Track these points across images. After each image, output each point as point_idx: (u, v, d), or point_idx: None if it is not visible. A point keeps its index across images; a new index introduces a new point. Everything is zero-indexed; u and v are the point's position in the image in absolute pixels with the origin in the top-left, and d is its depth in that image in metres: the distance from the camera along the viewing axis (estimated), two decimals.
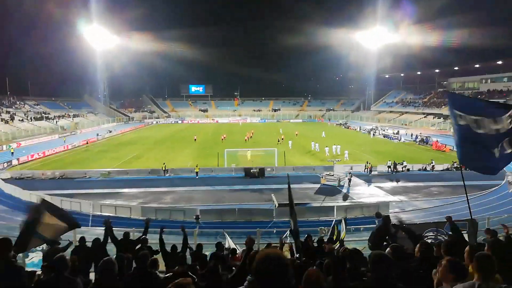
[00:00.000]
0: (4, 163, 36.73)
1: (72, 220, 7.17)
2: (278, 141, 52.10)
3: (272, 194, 25.27)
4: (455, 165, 34.72)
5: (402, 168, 34.14)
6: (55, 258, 4.23)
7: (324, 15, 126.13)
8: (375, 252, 3.50)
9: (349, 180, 29.24)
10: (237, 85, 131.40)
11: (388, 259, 3.27)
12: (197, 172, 32.41)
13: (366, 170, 33.40)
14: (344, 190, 27.89)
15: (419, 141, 52.56)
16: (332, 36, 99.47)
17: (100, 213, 21.94)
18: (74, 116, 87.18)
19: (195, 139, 56.80)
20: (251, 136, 58.20)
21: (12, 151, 45.61)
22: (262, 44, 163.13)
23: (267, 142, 52.06)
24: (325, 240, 8.50)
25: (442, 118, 77.09)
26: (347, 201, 25.34)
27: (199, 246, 7.88)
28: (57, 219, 6.48)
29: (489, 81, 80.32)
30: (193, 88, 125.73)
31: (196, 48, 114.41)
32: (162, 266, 7.15)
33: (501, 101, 68.21)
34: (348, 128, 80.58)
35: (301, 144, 50.95)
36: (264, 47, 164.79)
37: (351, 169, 32.24)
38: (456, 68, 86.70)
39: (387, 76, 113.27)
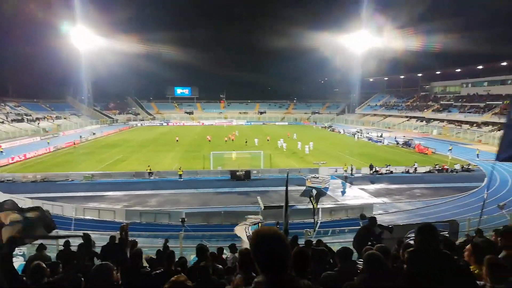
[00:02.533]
0: None
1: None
2: (246, 142, 53.50)
3: (258, 197, 25.35)
4: (437, 167, 35.63)
5: (386, 170, 34.70)
6: (31, 267, 3.96)
7: (310, 19, 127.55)
8: (370, 251, 3.54)
9: (345, 177, 31.31)
10: (223, 88, 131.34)
11: (381, 259, 3.32)
12: (180, 175, 32.28)
13: (345, 172, 33.01)
14: (339, 191, 28.74)
15: (402, 144, 53.45)
16: (317, 39, 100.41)
17: (83, 217, 21.63)
18: (57, 117, 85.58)
19: (177, 140, 57.04)
20: (233, 139, 58.42)
21: (1, 150, 46.72)
22: (249, 46, 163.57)
23: (250, 144, 52.29)
24: (313, 242, 8.53)
25: (424, 121, 78.58)
26: (331, 203, 25.58)
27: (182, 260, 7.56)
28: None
29: (469, 85, 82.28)
30: (179, 90, 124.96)
31: (182, 49, 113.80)
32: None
33: (481, 105, 70.06)
34: (333, 131, 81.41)
35: (274, 145, 52.61)
36: (250, 49, 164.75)
37: (336, 171, 33.05)
38: (438, 72, 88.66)
39: (371, 79, 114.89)
